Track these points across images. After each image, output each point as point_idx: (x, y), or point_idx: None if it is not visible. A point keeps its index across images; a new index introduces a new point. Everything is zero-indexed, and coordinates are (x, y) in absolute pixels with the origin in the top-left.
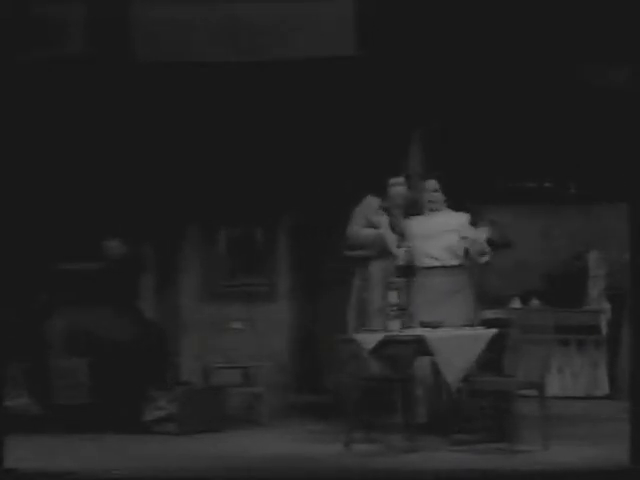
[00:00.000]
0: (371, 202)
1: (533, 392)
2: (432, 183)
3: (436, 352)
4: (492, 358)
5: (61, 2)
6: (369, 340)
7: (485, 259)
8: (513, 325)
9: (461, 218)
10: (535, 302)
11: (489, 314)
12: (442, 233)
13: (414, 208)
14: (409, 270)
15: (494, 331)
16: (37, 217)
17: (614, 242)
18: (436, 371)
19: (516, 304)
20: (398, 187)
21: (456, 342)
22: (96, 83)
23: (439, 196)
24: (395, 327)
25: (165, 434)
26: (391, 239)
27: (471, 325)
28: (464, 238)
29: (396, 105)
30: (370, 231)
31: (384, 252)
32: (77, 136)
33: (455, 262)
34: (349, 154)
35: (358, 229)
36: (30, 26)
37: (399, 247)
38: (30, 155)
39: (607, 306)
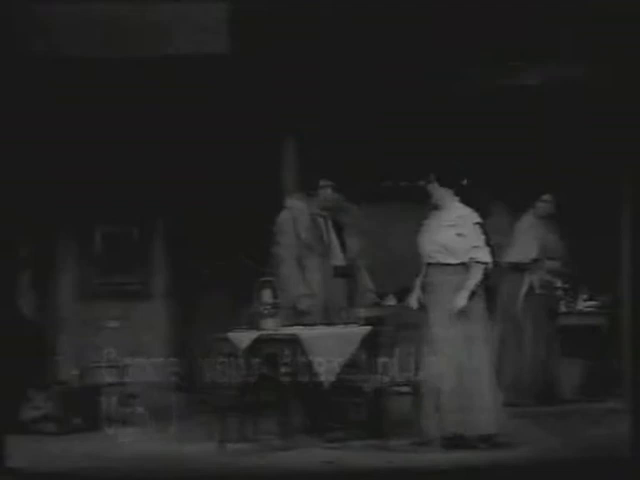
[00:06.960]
0: (298, 207)
1: (407, 389)
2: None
3: (309, 350)
4: (366, 355)
5: None
6: (243, 339)
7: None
8: (387, 322)
9: (460, 211)
10: None
11: (364, 312)
12: (438, 228)
13: (343, 211)
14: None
15: (368, 328)
16: None
17: (495, 238)
18: (311, 369)
19: (391, 301)
20: (327, 189)
21: (330, 340)
22: None
23: (442, 191)
24: (269, 325)
25: (43, 434)
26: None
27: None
28: (460, 235)
29: (270, 106)
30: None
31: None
32: None
33: (452, 260)
34: (225, 155)
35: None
36: None
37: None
38: None
39: None
